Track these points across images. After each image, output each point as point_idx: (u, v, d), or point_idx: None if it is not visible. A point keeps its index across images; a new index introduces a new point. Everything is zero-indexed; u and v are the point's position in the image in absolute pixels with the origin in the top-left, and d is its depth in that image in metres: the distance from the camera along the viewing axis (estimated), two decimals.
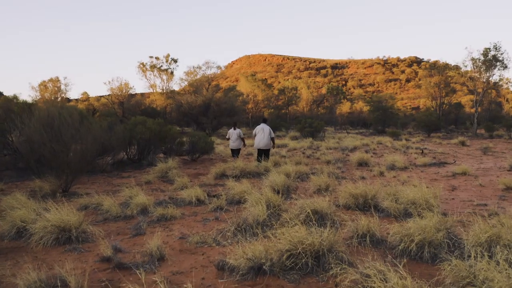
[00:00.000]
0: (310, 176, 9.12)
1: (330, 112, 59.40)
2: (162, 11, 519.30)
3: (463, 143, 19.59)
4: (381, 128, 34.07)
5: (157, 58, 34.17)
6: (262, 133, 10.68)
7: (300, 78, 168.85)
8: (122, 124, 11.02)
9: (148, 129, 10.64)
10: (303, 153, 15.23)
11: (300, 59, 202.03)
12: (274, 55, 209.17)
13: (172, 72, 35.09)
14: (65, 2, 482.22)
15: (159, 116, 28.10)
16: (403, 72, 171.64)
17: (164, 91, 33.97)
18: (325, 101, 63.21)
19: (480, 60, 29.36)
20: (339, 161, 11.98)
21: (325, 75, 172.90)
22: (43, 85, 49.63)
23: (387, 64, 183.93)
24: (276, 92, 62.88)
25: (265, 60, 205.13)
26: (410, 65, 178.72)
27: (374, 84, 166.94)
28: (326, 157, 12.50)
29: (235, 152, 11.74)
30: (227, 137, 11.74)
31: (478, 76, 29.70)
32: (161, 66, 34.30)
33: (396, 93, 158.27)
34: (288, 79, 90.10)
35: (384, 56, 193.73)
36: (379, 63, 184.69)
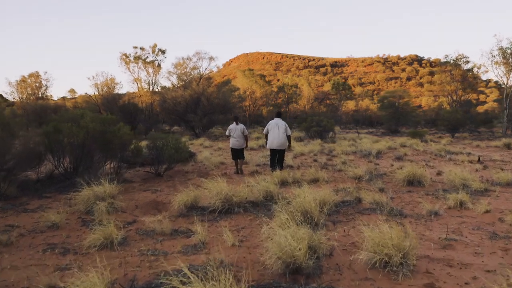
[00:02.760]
0: (341, 210, 5.31)
1: (332, 110, 55.59)
2: (159, 9, 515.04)
3: (508, 146, 15.84)
4: (394, 128, 30.34)
5: (142, 49, 30.23)
6: (276, 130, 8.63)
7: (299, 76, 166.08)
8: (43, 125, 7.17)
9: (83, 129, 6.79)
10: (316, 160, 11.42)
11: (299, 57, 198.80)
12: (272, 53, 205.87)
13: (159, 65, 31.18)
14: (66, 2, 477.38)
15: (141, 113, 24.25)
16: (403, 70, 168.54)
17: (151, 85, 30.04)
18: (327, 100, 59.51)
19: (510, 50, 25.61)
20: (373, 175, 8.17)
21: (325, 73, 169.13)
22: (22, 81, 45.64)
23: (387, 63, 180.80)
24: (275, 89, 59.25)
25: (263, 58, 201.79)
26: (410, 63, 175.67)
27: (375, 83, 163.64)
28: (352, 168, 8.69)
29: (238, 153, 9.17)
30: (227, 133, 9.46)
31: (509, 68, 25.93)
32: (147, 57, 30.38)
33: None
34: (287, 76, 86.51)
35: (384, 54, 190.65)
36: (379, 61, 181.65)
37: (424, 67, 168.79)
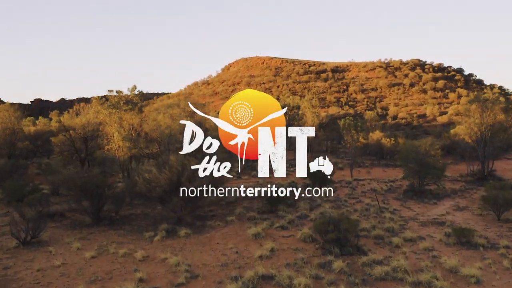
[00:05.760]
0: None
1: (339, 136, 50.79)
2: (157, 15, 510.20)
3: None
4: (419, 188, 25.51)
5: (119, 92, 25.36)
6: None
7: (300, 82, 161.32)
8: None
9: None
10: None
11: (299, 62, 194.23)
12: (272, 58, 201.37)
13: (140, 109, 26.34)
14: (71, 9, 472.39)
15: (111, 188, 19.29)
16: (406, 76, 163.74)
17: (130, 140, 25.08)
18: (332, 124, 54.81)
19: None
20: None
21: (326, 79, 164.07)
22: None
23: (389, 68, 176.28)
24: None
25: (263, 63, 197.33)
26: (413, 69, 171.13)
27: (377, 89, 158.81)
28: None
29: None
30: None
31: None
32: (124, 103, 25.49)
33: (400, 99, 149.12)
34: (288, 94, 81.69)
35: (386, 59, 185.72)
36: (381, 66, 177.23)
37: (427, 73, 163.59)
